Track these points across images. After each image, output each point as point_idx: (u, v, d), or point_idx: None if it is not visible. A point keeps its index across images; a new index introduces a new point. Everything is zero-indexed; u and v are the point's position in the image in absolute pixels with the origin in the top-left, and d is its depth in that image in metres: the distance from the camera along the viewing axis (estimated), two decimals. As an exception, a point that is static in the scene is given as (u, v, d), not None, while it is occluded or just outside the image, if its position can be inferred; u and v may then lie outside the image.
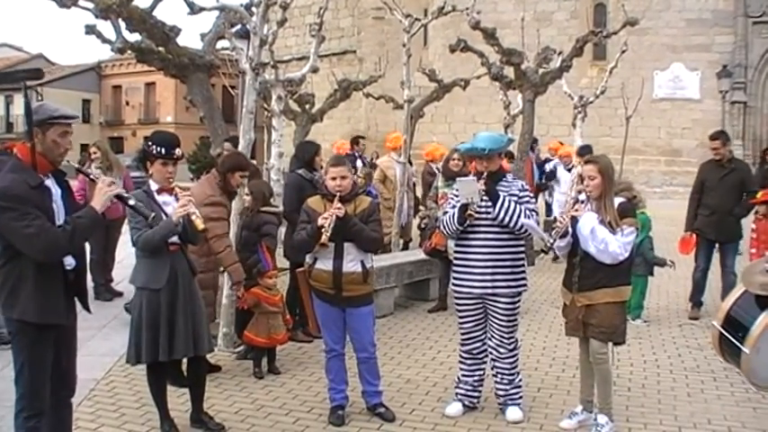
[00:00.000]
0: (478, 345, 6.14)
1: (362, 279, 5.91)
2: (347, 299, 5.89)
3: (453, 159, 9.53)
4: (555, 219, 5.99)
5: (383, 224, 7.68)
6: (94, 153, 10.64)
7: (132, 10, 8.92)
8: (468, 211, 5.81)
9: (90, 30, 9.88)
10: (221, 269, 7.28)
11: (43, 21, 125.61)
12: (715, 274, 9.81)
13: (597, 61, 30.48)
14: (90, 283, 6.40)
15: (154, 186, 5.51)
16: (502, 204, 5.80)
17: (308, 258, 6.03)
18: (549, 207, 15.78)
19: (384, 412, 6.00)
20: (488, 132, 6.45)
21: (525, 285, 6.10)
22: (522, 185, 6.15)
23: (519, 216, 5.79)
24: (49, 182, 4.37)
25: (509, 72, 14.76)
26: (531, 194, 6.25)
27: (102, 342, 8.07)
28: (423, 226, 10.45)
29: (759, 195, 8.79)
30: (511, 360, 6.05)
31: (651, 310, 9.81)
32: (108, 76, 56.99)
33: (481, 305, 6.01)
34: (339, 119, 32.92)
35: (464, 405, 6.16)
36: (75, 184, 5.47)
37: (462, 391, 6.20)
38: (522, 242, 6.09)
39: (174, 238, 5.41)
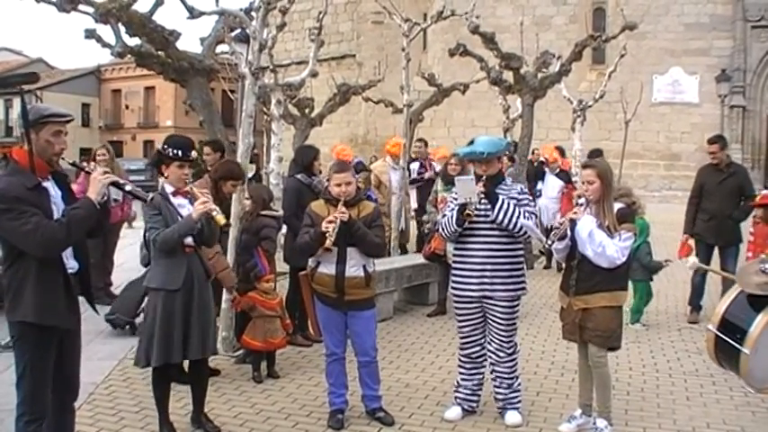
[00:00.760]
0: (477, 349, 6.14)
1: (365, 283, 5.93)
2: (349, 303, 5.90)
3: (452, 164, 9.54)
4: (548, 227, 5.98)
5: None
6: (102, 156, 10.39)
7: (132, 14, 8.95)
8: (467, 211, 5.81)
9: (90, 34, 9.91)
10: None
11: (43, 25, 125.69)
12: (714, 277, 9.81)
13: (596, 65, 30.49)
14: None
15: (169, 189, 5.57)
16: (501, 206, 5.81)
17: (310, 262, 6.04)
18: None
19: (383, 416, 6.00)
20: (487, 136, 6.45)
21: (524, 289, 6.10)
22: (522, 189, 6.17)
23: (518, 218, 5.79)
24: (49, 184, 4.38)
25: (508, 76, 14.79)
26: (530, 198, 6.26)
27: (100, 346, 8.07)
28: (426, 231, 10.47)
29: (757, 199, 8.81)
30: (510, 364, 6.05)
31: (650, 314, 9.81)
32: (107, 80, 57.01)
33: (480, 309, 6.02)
34: (338, 123, 32.96)
35: (463, 409, 6.16)
36: (75, 188, 5.50)
37: (461, 396, 6.20)
38: (520, 246, 6.10)
39: (189, 240, 5.46)
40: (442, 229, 6.12)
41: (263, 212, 7.66)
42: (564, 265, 6.03)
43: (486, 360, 6.17)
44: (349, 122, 35.90)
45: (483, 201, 5.86)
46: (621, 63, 20.42)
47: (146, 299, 7.84)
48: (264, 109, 14.26)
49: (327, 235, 5.64)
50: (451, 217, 5.95)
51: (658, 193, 28.65)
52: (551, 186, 13.93)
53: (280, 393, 6.77)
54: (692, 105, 30.84)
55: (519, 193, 6.02)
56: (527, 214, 5.87)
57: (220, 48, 11.80)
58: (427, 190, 11.46)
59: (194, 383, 5.82)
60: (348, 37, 37.77)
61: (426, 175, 13.06)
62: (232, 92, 17.59)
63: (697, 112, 30.67)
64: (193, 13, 9.10)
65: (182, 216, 5.41)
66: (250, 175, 9.14)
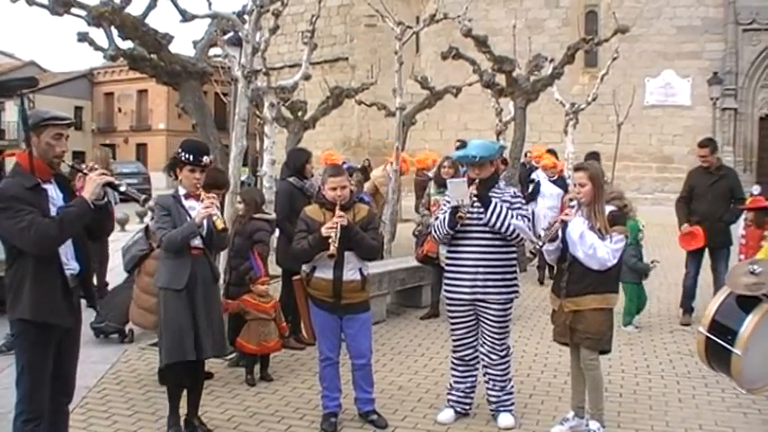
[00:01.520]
0: (470, 351, 6.15)
1: (361, 287, 5.95)
2: (345, 306, 5.90)
3: (445, 167, 9.56)
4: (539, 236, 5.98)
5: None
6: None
7: (125, 17, 8.94)
8: (459, 214, 5.83)
9: (82, 37, 9.89)
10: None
11: (35, 28, 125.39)
12: (705, 279, 9.85)
13: (589, 68, 30.64)
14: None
15: (182, 191, 5.68)
16: (494, 210, 5.82)
17: (304, 267, 6.02)
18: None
19: (376, 419, 6.00)
20: (480, 140, 6.47)
21: (517, 292, 6.12)
22: (515, 192, 6.18)
23: (510, 221, 5.81)
24: (50, 186, 4.47)
25: (501, 79, 14.82)
26: (524, 201, 6.26)
27: (93, 350, 8.05)
28: (416, 233, 10.46)
29: (747, 202, 8.86)
30: (503, 366, 6.06)
31: (643, 316, 9.83)
32: (100, 83, 56.87)
33: (473, 311, 6.03)
34: (331, 126, 32.98)
35: (456, 411, 6.16)
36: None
37: (454, 398, 6.21)
38: (513, 249, 6.11)
39: (198, 242, 5.54)
40: (435, 232, 6.13)
41: (256, 216, 7.67)
42: (555, 269, 6.05)
43: (478, 362, 6.17)
44: (342, 125, 35.92)
45: (476, 204, 5.87)
46: (614, 66, 20.53)
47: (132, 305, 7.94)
48: (257, 112, 14.30)
49: (331, 241, 5.61)
50: (444, 219, 5.96)
51: (651, 196, 28.76)
52: (549, 194, 12.59)
53: (273, 396, 6.77)
54: (684, 108, 30.99)
55: (512, 197, 6.03)
56: (520, 218, 5.88)
57: (213, 51, 11.79)
58: None
59: (190, 387, 5.81)
60: (341, 40, 37.81)
61: None
62: (225, 95, 17.61)
63: (689, 115, 30.82)
64: (186, 17, 9.13)
65: (192, 218, 5.50)
66: (243, 177, 9.16)
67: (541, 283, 12.32)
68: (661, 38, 30.97)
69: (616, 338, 5.93)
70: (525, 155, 15.29)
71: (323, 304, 5.92)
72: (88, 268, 4.73)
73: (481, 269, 5.89)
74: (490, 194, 5.92)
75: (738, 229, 9.51)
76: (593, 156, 13.38)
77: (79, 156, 34.30)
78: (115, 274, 10.41)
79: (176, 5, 8.98)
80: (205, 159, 5.63)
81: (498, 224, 5.82)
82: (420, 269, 10.26)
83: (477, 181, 5.91)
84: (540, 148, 15.13)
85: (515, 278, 6.10)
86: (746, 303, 5.18)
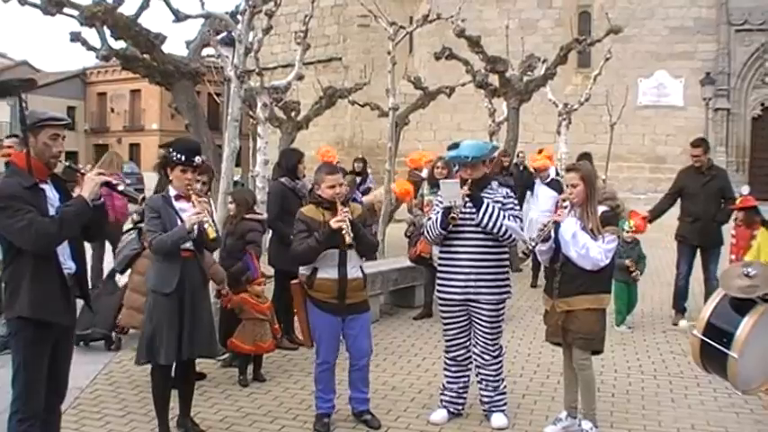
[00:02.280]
0: (463, 351, 6.16)
1: (363, 285, 5.98)
2: (349, 306, 5.88)
3: (438, 167, 9.56)
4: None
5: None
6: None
7: (117, 17, 8.93)
8: (452, 215, 5.83)
9: (75, 37, 9.87)
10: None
11: (28, 28, 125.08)
12: (697, 279, 9.87)
13: (582, 69, 30.68)
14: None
15: (172, 192, 5.57)
16: (486, 210, 5.83)
17: (303, 270, 5.97)
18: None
19: (370, 419, 5.99)
20: (473, 140, 6.47)
21: (509, 292, 6.12)
22: (507, 192, 6.16)
23: (503, 222, 5.81)
24: (47, 186, 4.49)
25: (494, 80, 14.87)
26: (516, 201, 6.26)
27: (86, 350, 8.02)
28: (409, 234, 10.45)
29: (738, 202, 8.88)
30: (495, 367, 6.07)
31: (635, 316, 9.86)
32: (93, 83, 56.71)
33: (465, 312, 6.03)
34: (324, 126, 32.94)
35: (449, 412, 6.17)
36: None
37: (447, 398, 6.21)
38: (505, 249, 6.11)
39: (188, 245, 5.47)
40: (428, 232, 6.13)
41: (248, 216, 7.66)
42: (547, 269, 6.06)
43: (471, 363, 6.18)
44: (335, 126, 35.90)
45: (468, 204, 5.87)
46: (607, 66, 20.57)
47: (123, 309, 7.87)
48: (250, 112, 14.28)
49: (345, 232, 5.62)
50: (436, 220, 5.96)
51: (644, 196, 28.74)
52: (543, 198, 11.67)
53: (266, 397, 6.76)
54: (677, 108, 31.06)
55: (504, 197, 6.03)
56: (512, 218, 5.88)
57: (206, 51, 11.79)
58: None
59: (181, 387, 5.78)
60: (334, 40, 37.81)
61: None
62: (218, 95, 17.61)
63: (682, 116, 30.88)
64: (179, 17, 9.11)
65: (182, 220, 5.43)
66: (236, 178, 9.13)
67: (533, 286, 12.17)
68: (654, 38, 31.04)
69: (609, 338, 5.94)
70: (518, 155, 15.25)
71: (326, 306, 5.85)
72: (84, 268, 4.75)
73: (474, 269, 5.90)
74: (483, 195, 5.92)
75: (729, 230, 9.53)
76: (586, 157, 13.30)
77: (72, 156, 34.19)
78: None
79: (169, 5, 8.95)
80: (197, 159, 5.55)
81: (490, 225, 5.82)
82: (413, 269, 10.26)
83: (469, 181, 5.91)
84: (534, 156, 14.23)
85: (507, 278, 6.11)
86: (741, 306, 5.18)
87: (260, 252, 7.81)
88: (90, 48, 9.97)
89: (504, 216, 5.84)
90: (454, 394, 6.19)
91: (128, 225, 8.51)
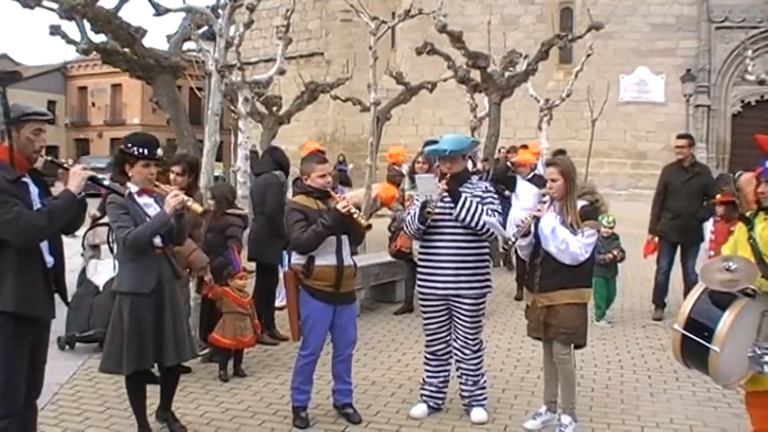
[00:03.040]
0: (443, 346, 6.16)
1: (355, 273, 6.04)
2: (342, 295, 5.89)
3: (419, 162, 9.55)
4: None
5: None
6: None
7: (97, 11, 8.89)
8: (428, 209, 5.83)
9: (55, 30, 9.83)
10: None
11: (7, 21, 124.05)
12: (677, 275, 9.92)
13: (563, 65, 30.78)
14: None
15: (134, 188, 5.41)
16: (463, 204, 5.82)
17: (298, 259, 5.93)
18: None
19: (351, 414, 5.98)
20: (454, 134, 6.47)
21: (489, 287, 6.14)
22: (487, 187, 6.17)
23: (480, 216, 5.81)
24: (27, 180, 4.45)
25: (475, 75, 14.89)
26: (495, 195, 6.25)
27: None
28: (393, 229, 10.43)
29: (718, 197, 8.91)
30: (475, 361, 6.08)
31: (615, 311, 9.91)
32: (74, 76, 56.35)
33: (446, 306, 6.04)
34: (306, 121, 32.91)
35: (429, 406, 6.17)
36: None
37: (427, 393, 6.22)
38: (485, 244, 6.12)
39: (158, 241, 5.33)
40: (407, 227, 6.13)
41: (229, 211, 7.64)
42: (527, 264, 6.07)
43: (452, 357, 6.19)
44: (317, 120, 35.87)
45: (446, 198, 5.88)
46: (588, 62, 20.64)
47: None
48: (232, 107, 14.23)
49: (358, 215, 5.74)
50: (414, 214, 5.97)
51: (625, 192, 28.95)
52: (525, 194, 10.53)
53: (246, 392, 6.74)
54: (658, 105, 31.27)
55: (483, 191, 6.03)
56: (490, 212, 5.88)
57: (187, 45, 11.75)
58: None
59: (164, 380, 5.69)
60: (316, 35, 37.75)
61: None
62: (199, 89, 17.51)
63: (663, 112, 31.09)
64: (159, 10, 9.09)
65: (149, 216, 5.29)
66: (218, 173, 9.08)
67: (518, 299, 11.58)
68: (635, 35, 31.22)
69: (589, 333, 5.96)
70: (499, 150, 15.25)
71: (322, 295, 5.83)
72: (62, 262, 4.69)
73: (453, 264, 5.90)
74: (462, 189, 5.92)
75: (708, 226, 9.58)
76: (561, 153, 13.26)
77: (53, 150, 33.95)
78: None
79: (149, -1, 8.93)
80: (159, 152, 5.45)
81: (468, 219, 5.82)
82: (394, 264, 10.26)
83: (448, 176, 5.91)
84: (523, 152, 13.78)
85: (488, 273, 6.12)
86: (722, 300, 5.21)
87: (240, 247, 7.79)
88: (70, 41, 9.93)
89: (483, 211, 5.84)
90: (434, 389, 6.20)
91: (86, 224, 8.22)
